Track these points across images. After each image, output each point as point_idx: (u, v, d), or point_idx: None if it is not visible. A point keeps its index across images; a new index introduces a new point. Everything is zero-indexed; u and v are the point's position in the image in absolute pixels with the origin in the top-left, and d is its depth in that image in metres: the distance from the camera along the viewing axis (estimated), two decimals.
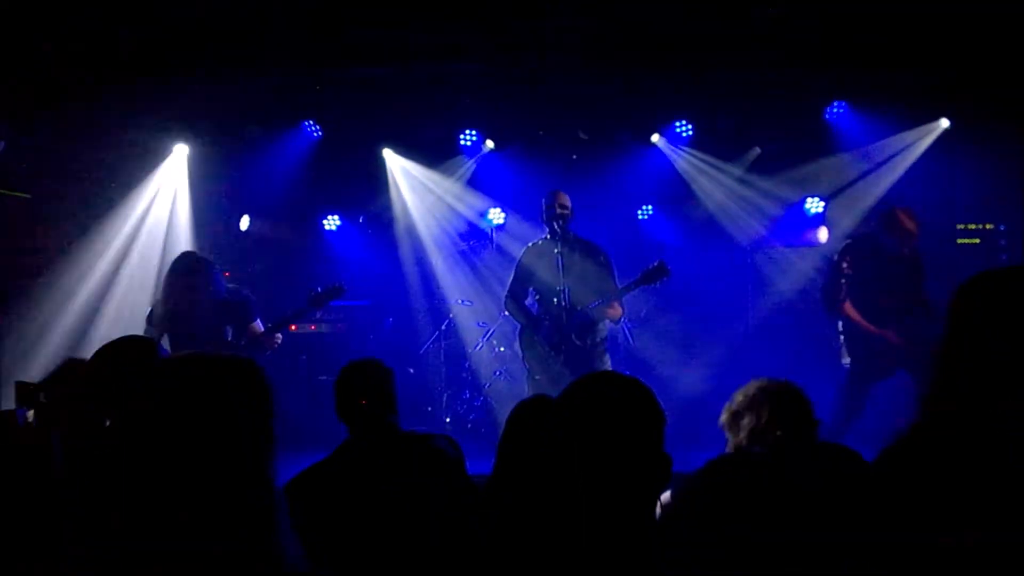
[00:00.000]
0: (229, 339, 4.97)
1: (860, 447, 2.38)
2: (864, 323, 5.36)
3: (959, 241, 7.36)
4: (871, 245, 5.50)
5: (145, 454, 1.70)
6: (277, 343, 5.12)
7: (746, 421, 2.39)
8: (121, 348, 2.71)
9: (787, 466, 2.29)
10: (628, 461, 1.62)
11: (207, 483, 1.69)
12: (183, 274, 5.01)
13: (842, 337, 5.48)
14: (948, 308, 1.53)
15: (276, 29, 6.03)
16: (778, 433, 2.33)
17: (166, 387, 1.57)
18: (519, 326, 5.67)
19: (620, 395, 1.67)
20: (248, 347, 4.96)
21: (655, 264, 5.28)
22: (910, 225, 5.39)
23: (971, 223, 7.38)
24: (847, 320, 5.44)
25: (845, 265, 5.45)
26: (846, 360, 5.50)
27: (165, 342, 4.89)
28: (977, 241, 7.41)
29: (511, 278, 5.68)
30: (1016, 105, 6.44)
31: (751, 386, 2.48)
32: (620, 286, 5.38)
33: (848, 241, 5.70)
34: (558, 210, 5.35)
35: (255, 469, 1.81)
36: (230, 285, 5.20)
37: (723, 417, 2.51)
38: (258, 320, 5.11)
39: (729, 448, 2.49)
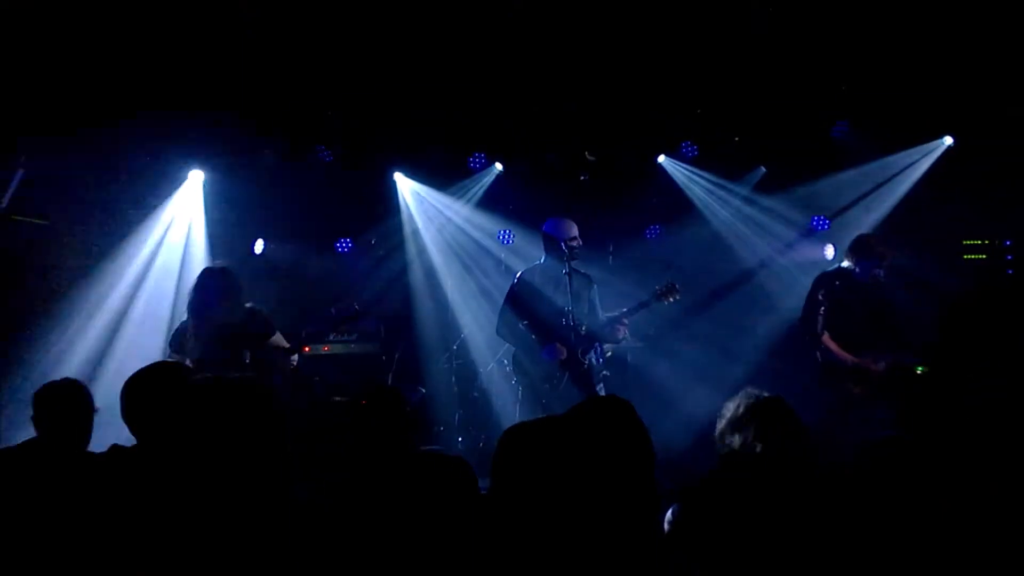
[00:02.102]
0: (247, 362, 5.04)
1: None
2: (841, 353, 5.34)
3: (965, 257, 7.38)
4: (842, 274, 5.51)
5: (169, 473, 1.79)
6: (293, 364, 5.18)
7: (736, 439, 2.44)
8: (153, 373, 2.81)
9: (774, 485, 2.34)
10: (618, 487, 1.68)
11: (224, 498, 1.77)
12: (199, 288, 5.10)
13: (820, 367, 5.45)
14: (942, 323, 1.58)
15: (287, 56, 6.17)
16: (760, 449, 2.38)
17: (190, 412, 1.65)
18: (518, 348, 5.72)
19: (612, 423, 1.73)
20: (266, 370, 5.02)
21: (665, 285, 5.45)
22: (880, 247, 5.42)
23: (977, 239, 7.40)
24: (825, 350, 5.42)
25: (820, 296, 5.43)
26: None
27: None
28: (983, 257, 7.43)
29: (507, 303, 5.74)
30: (1020, 120, 6.48)
31: (739, 403, 2.51)
32: (629, 306, 5.50)
33: (820, 272, 5.68)
34: (576, 240, 5.52)
35: (270, 486, 1.89)
36: (247, 304, 5.24)
37: (718, 433, 2.55)
38: (278, 334, 5.18)
39: (721, 463, 2.53)
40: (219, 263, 5.49)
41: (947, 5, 5.79)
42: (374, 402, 2.99)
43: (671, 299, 5.46)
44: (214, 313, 5.02)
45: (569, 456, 1.69)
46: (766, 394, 2.54)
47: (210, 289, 5.07)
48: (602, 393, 5.53)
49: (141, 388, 2.76)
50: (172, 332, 5.33)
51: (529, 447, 1.76)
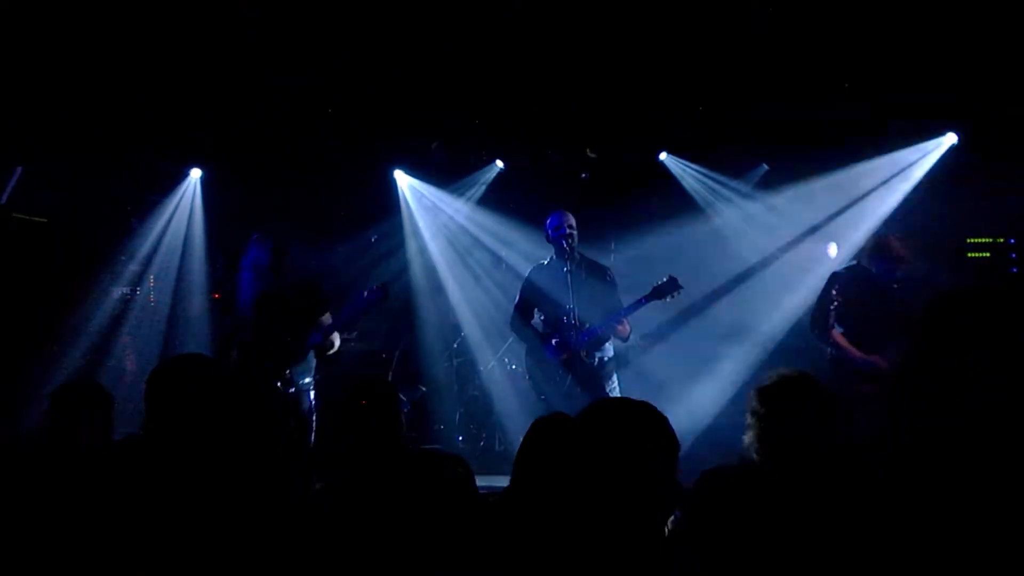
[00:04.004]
0: (288, 340, 4.90)
1: None
2: (852, 350, 5.29)
3: (969, 255, 7.35)
4: (861, 273, 5.45)
5: (164, 467, 1.77)
6: (334, 347, 5.11)
7: (772, 417, 2.40)
8: (178, 366, 2.77)
9: (795, 476, 2.31)
10: (640, 486, 1.66)
11: (213, 495, 1.75)
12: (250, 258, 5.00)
13: (830, 364, 5.38)
14: (918, 322, 1.55)
15: (286, 53, 6.14)
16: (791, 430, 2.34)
17: (188, 410, 1.64)
18: (526, 346, 5.70)
19: (638, 423, 1.71)
20: (308, 348, 4.94)
21: (666, 279, 5.33)
22: (901, 251, 5.36)
23: (981, 237, 7.37)
24: (835, 347, 5.36)
25: (835, 292, 5.37)
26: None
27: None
28: (987, 255, 7.39)
29: (516, 298, 5.73)
30: None
31: (777, 381, 2.47)
32: (629, 303, 5.40)
33: (837, 269, 5.63)
34: (567, 230, 5.41)
35: (264, 483, 1.87)
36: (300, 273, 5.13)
37: (750, 410, 2.51)
38: (328, 314, 5.05)
39: (748, 439, 2.49)
40: (264, 233, 5.28)
41: (951, 1, 5.75)
42: (371, 399, 2.95)
43: (672, 295, 5.33)
44: (271, 282, 4.88)
45: (592, 455, 1.67)
46: (796, 371, 2.50)
47: (264, 256, 4.93)
48: (616, 391, 5.45)
49: (158, 381, 2.75)
50: (223, 320, 5.23)
51: (554, 443, 1.75)
